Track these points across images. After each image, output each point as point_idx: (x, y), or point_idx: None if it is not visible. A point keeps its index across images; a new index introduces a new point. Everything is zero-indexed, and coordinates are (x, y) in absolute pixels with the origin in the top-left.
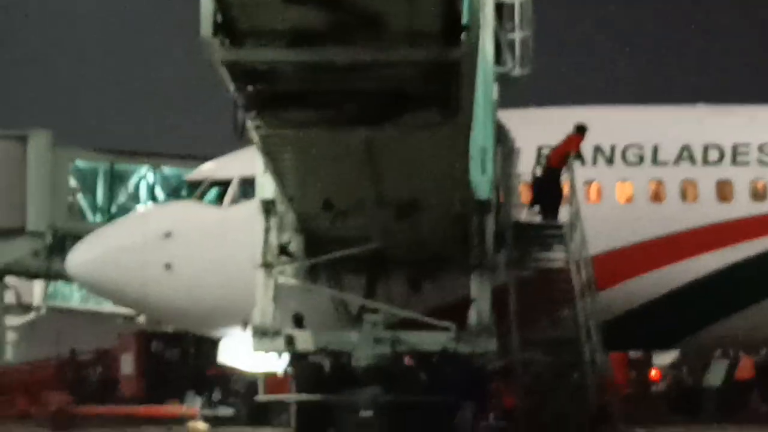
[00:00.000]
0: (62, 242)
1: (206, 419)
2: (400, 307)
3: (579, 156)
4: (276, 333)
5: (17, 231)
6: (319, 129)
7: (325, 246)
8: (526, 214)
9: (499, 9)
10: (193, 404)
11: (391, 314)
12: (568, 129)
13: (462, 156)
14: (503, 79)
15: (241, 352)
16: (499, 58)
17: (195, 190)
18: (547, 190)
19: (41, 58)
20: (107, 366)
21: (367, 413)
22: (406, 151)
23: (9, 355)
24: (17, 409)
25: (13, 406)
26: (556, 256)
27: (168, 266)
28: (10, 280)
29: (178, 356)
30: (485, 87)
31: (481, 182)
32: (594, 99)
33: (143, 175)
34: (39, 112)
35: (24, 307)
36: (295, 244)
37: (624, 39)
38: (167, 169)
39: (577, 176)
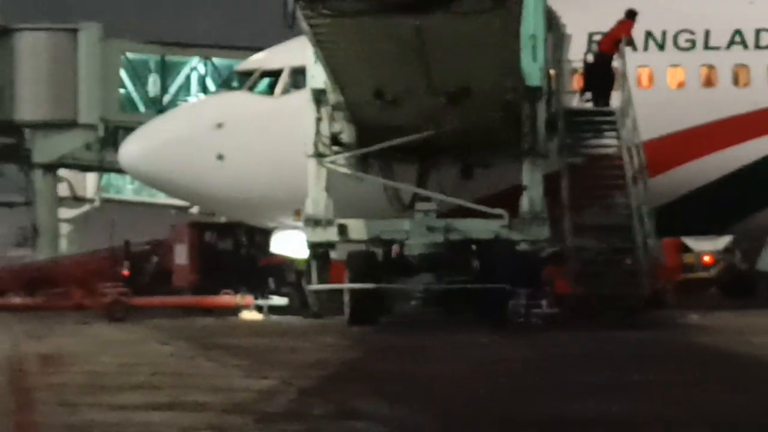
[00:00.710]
0: (114, 134)
1: (260, 309)
2: (452, 195)
3: (630, 41)
4: (328, 222)
5: (69, 124)
6: (369, 17)
7: (377, 135)
8: (578, 100)
9: None
10: (247, 294)
11: (443, 202)
12: (618, 14)
13: (512, 43)
14: None
15: (293, 242)
16: None
17: (246, 80)
18: (599, 76)
19: None
20: (161, 257)
21: (419, 301)
22: (457, 38)
23: (63, 247)
24: (73, 301)
25: (69, 298)
26: (608, 143)
27: (220, 157)
28: (63, 172)
29: (231, 247)
30: None
31: (532, 69)
32: None
33: (194, 67)
34: (89, 4)
35: (77, 200)
36: (347, 134)
37: None
38: (218, 60)
39: (629, 62)
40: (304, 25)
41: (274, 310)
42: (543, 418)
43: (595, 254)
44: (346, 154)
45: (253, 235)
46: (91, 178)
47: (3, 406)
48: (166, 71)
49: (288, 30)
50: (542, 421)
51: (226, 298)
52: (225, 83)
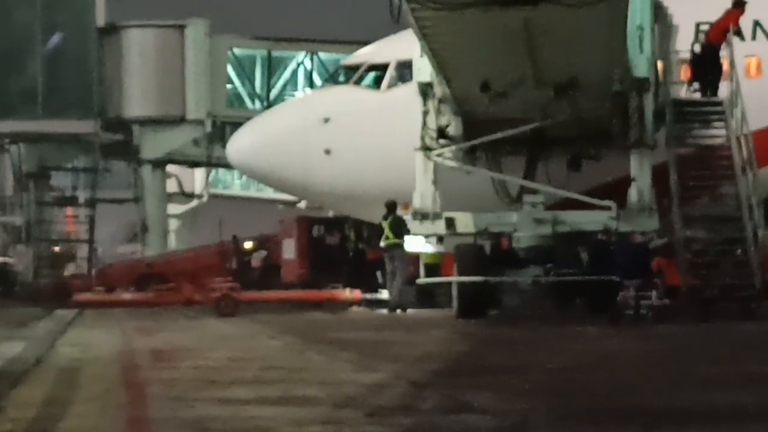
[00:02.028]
0: (222, 130)
1: (369, 303)
2: (560, 187)
3: (738, 31)
4: (436, 216)
5: (177, 120)
6: (476, 9)
7: (483, 128)
8: (686, 91)
9: None
10: (355, 288)
11: (550, 195)
12: (726, 4)
13: (619, 34)
14: None
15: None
16: None
17: (352, 74)
18: (706, 66)
19: None
20: (269, 252)
21: (528, 294)
22: (564, 29)
23: (172, 243)
24: (182, 297)
25: (179, 293)
26: (716, 133)
27: (328, 151)
28: (171, 168)
29: (338, 241)
30: None
31: (639, 60)
32: None
33: (300, 62)
34: (196, 1)
35: (186, 195)
36: (454, 127)
37: None
38: (324, 55)
39: (737, 52)
40: (410, 18)
41: (381, 304)
42: (670, 408)
43: (705, 245)
44: (453, 147)
45: (360, 229)
46: (199, 173)
47: (116, 401)
48: (273, 66)
49: (394, 24)
50: (670, 412)
51: (335, 293)
52: (331, 78)
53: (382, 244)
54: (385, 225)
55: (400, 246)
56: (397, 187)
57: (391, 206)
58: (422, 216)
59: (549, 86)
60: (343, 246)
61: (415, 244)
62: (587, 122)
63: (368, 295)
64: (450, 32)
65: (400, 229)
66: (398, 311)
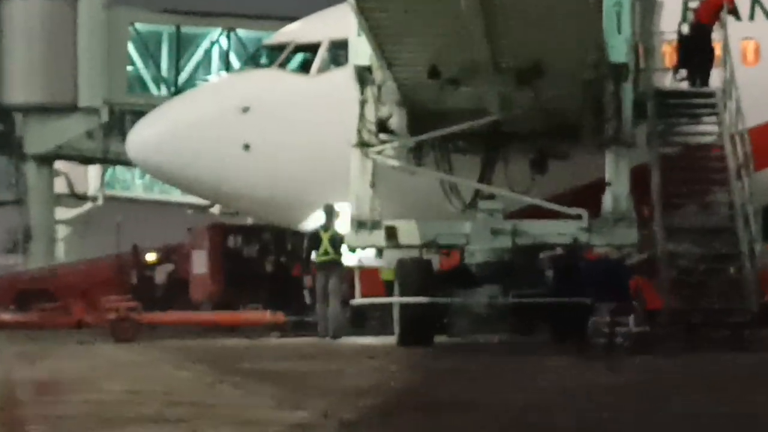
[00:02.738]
0: (121, 120)
1: (294, 327)
2: (522, 192)
3: (733, 10)
4: (375, 224)
5: (68, 108)
6: None
7: (432, 121)
8: (671, 80)
9: None
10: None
11: (510, 201)
12: None
13: (593, 10)
14: None
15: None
16: None
17: (276, 56)
18: (696, 51)
19: None
20: (176, 265)
21: (483, 317)
22: (528, 5)
23: (61, 253)
24: (73, 318)
25: (68, 313)
26: (707, 130)
27: (246, 147)
28: (61, 165)
29: (258, 253)
30: None
31: (617, 42)
32: None
33: (215, 40)
34: None
35: (77, 197)
36: (397, 119)
37: None
38: (243, 32)
39: (731, 34)
40: None
41: (310, 327)
42: None
43: (693, 262)
44: (396, 143)
45: (283, 240)
46: (93, 171)
47: None
48: (183, 45)
49: None
50: None
51: (253, 315)
52: (252, 60)
53: (317, 258)
54: (325, 237)
55: (340, 263)
56: (329, 189)
57: (331, 213)
58: (358, 224)
59: (510, 72)
60: (263, 259)
61: (360, 257)
62: (554, 115)
63: (293, 318)
64: (393, 6)
65: (340, 243)
66: (333, 338)
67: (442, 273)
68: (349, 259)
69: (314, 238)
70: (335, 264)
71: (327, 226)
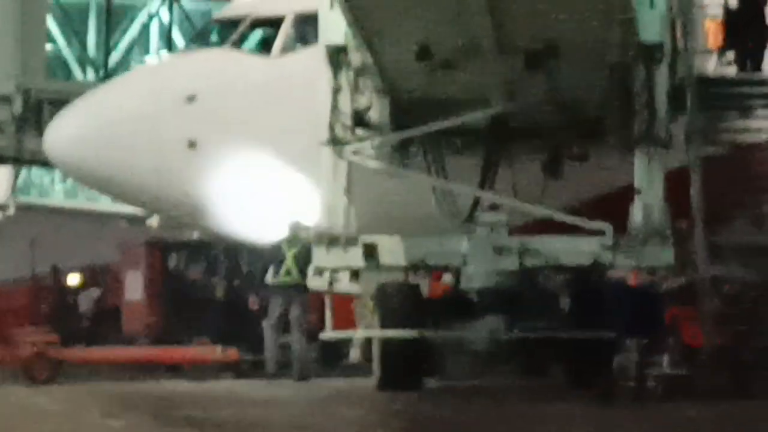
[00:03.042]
0: (38, 110)
1: (251, 366)
2: (532, 200)
3: None
4: (350, 240)
5: None
6: None
7: (422, 113)
8: (716, 64)
9: None
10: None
11: (517, 212)
12: None
13: None
14: None
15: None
16: None
17: (230, 32)
18: (747, 28)
19: None
20: (106, 289)
21: (483, 355)
22: None
23: None
24: None
25: None
26: (760, 126)
27: (192, 144)
28: None
29: (206, 275)
30: None
31: (649, 17)
32: None
33: (154, 13)
34: None
35: None
36: (377, 111)
37: None
38: (189, 4)
39: None
40: None
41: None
42: None
43: (742, 288)
44: (377, 140)
45: (237, 259)
46: (2, 174)
47: None
48: (114, 19)
49: None
50: None
51: (200, 351)
52: (199, 37)
53: (277, 280)
54: (290, 255)
55: (305, 287)
56: (294, 196)
57: (297, 225)
58: (330, 240)
59: (517, 54)
60: (212, 283)
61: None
62: (571, 107)
63: (249, 356)
64: None
65: (306, 263)
66: (297, 380)
67: (432, 301)
68: (317, 282)
69: (275, 256)
70: (299, 288)
71: (291, 241)
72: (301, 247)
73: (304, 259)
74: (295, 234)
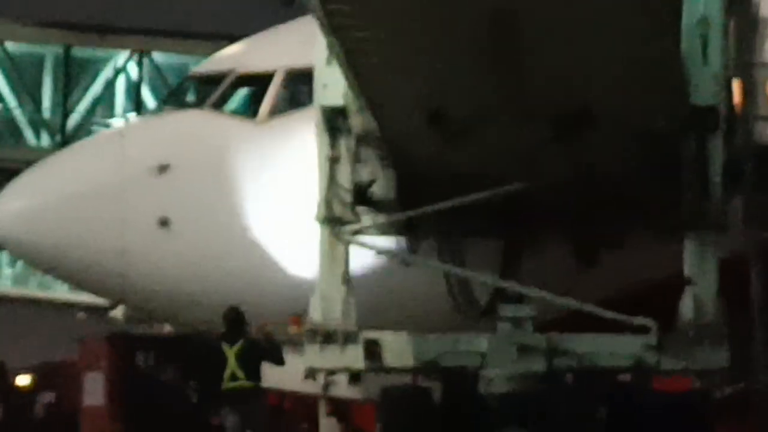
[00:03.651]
0: None
1: None
2: (561, 292)
3: None
4: (349, 336)
5: None
6: None
7: (433, 189)
8: None
9: None
10: None
11: (545, 304)
12: None
13: (668, 31)
14: None
15: (289, 370)
16: None
17: (209, 91)
18: None
19: None
20: (61, 392)
21: None
22: (569, 25)
23: None
24: None
25: None
26: None
27: (164, 222)
28: None
29: (177, 376)
30: None
31: (701, 77)
32: None
33: (121, 67)
34: None
35: None
36: (382, 186)
37: None
38: (160, 56)
39: None
40: None
41: None
42: None
43: None
44: (381, 220)
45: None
46: None
47: None
48: (73, 74)
49: (283, 6)
50: None
51: None
52: (173, 96)
53: (223, 386)
54: (230, 354)
55: (257, 391)
56: (285, 285)
57: (236, 320)
58: (325, 337)
59: (543, 120)
60: (185, 385)
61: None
62: (608, 184)
63: None
64: (381, 19)
65: (257, 361)
66: None
67: (445, 409)
68: (309, 386)
69: (214, 358)
70: (250, 394)
71: (230, 337)
72: (244, 341)
73: (251, 359)
74: (235, 326)
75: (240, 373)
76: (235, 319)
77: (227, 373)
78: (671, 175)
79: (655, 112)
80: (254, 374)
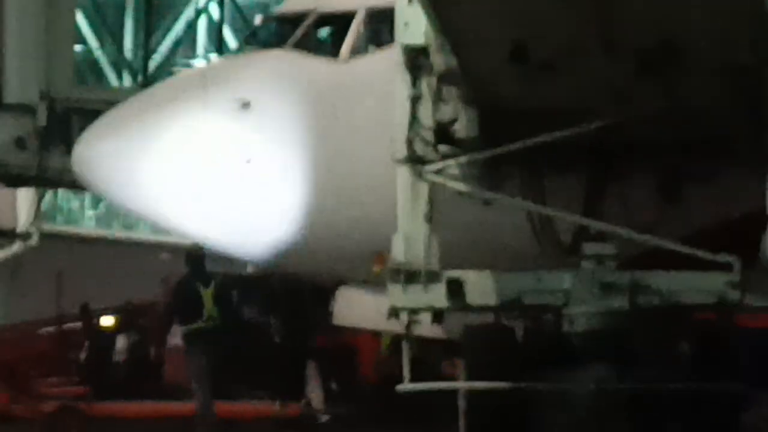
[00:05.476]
0: (65, 122)
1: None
2: (646, 228)
3: None
4: (432, 276)
5: None
6: None
7: (516, 127)
8: None
9: None
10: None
11: (629, 242)
12: None
13: None
14: None
15: (372, 309)
16: None
17: (291, 30)
18: None
19: None
20: (144, 334)
21: (589, 410)
22: None
23: None
24: None
25: None
26: None
27: (249, 161)
28: None
29: (262, 317)
30: None
31: None
32: None
33: (202, 8)
34: None
35: (2, 234)
36: (465, 124)
37: None
38: None
39: None
40: None
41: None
42: None
43: None
44: (463, 159)
45: (299, 298)
46: (24, 197)
47: None
48: (154, 15)
49: None
50: None
51: (255, 406)
52: (253, 36)
53: (195, 326)
54: (206, 294)
55: (227, 330)
56: (368, 224)
57: (200, 258)
58: (408, 276)
59: (628, 55)
60: (268, 326)
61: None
62: (693, 119)
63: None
64: None
65: (230, 301)
66: None
67: (528, 347)
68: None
69: (188, 299)
70: (221, 333)
71: (206, 277)
72: (220, 283)
73: (226, 297)
74: (201, 267)
75: (215, 313)
76: (198, 257)
77: (205, 314)
78: (756, 109)
79: (740, 45)
80: (228, 314)
